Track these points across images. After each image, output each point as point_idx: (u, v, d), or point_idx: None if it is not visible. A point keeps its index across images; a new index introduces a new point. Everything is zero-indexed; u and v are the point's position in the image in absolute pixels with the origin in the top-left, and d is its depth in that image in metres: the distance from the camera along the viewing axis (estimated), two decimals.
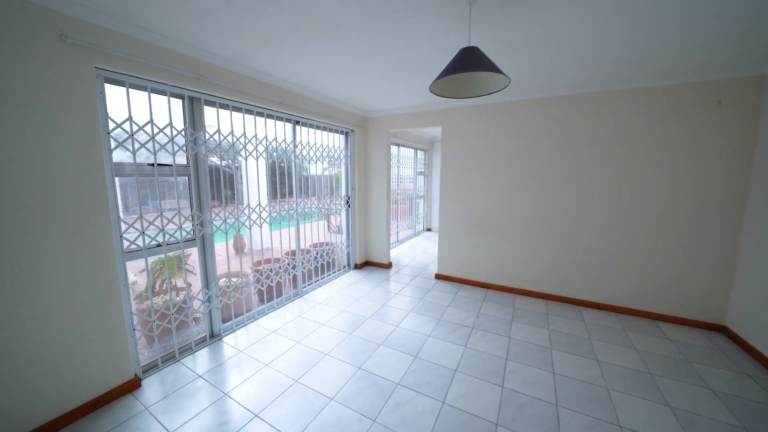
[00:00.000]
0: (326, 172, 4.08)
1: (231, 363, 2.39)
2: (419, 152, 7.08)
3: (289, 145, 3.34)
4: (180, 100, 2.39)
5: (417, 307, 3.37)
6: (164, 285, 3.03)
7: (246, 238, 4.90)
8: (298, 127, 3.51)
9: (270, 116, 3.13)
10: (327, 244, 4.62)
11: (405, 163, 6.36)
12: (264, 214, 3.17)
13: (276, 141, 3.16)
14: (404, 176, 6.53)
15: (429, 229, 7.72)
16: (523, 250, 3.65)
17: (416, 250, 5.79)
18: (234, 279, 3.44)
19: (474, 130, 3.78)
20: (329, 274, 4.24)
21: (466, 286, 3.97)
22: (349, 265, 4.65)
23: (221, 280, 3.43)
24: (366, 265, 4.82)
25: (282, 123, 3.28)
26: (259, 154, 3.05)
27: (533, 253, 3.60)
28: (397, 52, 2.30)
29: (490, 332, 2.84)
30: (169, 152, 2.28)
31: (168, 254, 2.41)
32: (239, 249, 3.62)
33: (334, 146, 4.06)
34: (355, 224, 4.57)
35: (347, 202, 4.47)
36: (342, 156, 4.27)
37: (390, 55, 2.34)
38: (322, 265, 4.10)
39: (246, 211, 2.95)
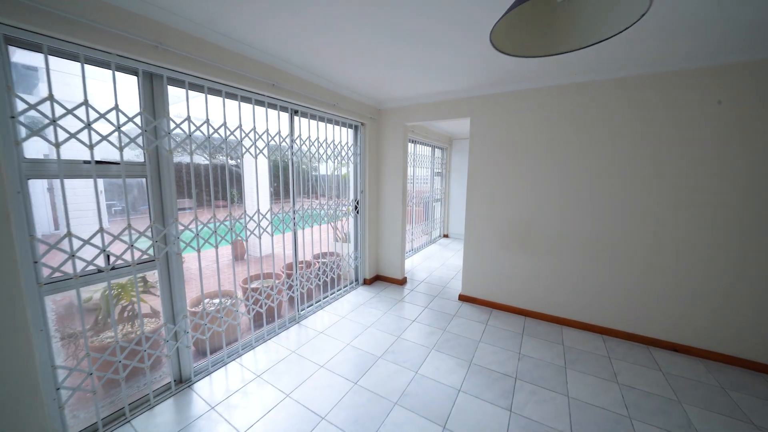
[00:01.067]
0: (332, 172, 3.46)
1: (199, 426, 1.79)
2: (437, 150, 6.39)
3: (285, 139, 2.72)
4: (134, 77, 1.80)
5: (440, 341, 2.70)
6: (119, 317, 2.46)
7: (246, 243, 4.33)
8: (296, 118, 2.89)
9: (260, 102, 2.52)
10: (332, 254, 4.01)
11: (421, 163, 5.69)
12: (264, 222, 2.58)
13: (268, 134, 2.55)
14: (420, 177, 5.85)
15: (446, 236, 7.02)
16: (574, 271, 2.93)
17: (433, 261, 5.11)
18: (217, 301, 2.86)
19: (511, 122, 3.08)
20: (333, 292, 3.61)
21: (499, 312, 3.27)
22: (357, 281, 4.02)
23: (201, 303, 2.85)
24: (377, 279, 4.18)
25: (276, 112, 2.66)
26: (259, 151, 2.47)
27: (588, 275, 2.87)
28: (425, 9, 1.64)
29: (540, 386, 2.14)
30: (114, 146, 1.69)
31: (116, 281, 1.83)
32: (237, 256, 3.04)
33: (341, 142, 3.43)
34: (364, 233, 3.93)
35: (356, 207, 3.84)
36: (350, 153, 3.64)
37: (415, 13, 1.69)
38: (325, 282, 3.48)
39: (242, 219, 2.36)
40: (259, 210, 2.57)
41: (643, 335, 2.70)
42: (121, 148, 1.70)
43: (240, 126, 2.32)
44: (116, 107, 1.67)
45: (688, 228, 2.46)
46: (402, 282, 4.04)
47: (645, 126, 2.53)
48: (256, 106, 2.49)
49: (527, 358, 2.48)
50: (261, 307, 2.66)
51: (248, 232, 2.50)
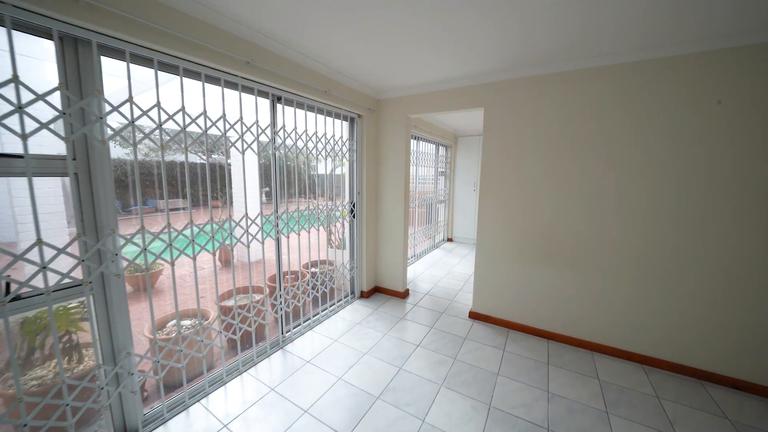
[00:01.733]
0: (324, 170, 3.00)
1: None
2: (440, 148, 5.93)
3: (264, 131, 2.26)
4: (50, 42, 1.35)
5: (450, 375, 2.24)
6: (42, 354, 2.00)
7: (232, 252, 3.88)
8: (279, 106, 2.43)
9: (231, 84, 2.06)
10: (325, 263, 3.56)
11: (424, 161, 5.23)
12: (254, 228, 2.15)
13: (258, 126, 2.10)
14: (422, 177, 5.39)
15: (450, 240, 6.57)
16: (608, 288, 2.47)
17: (438, 269, 4.65)
18: (188, 322, 2.41)
19: (532, 113, 2.62)
20: (326, 308, 3.15)
21: (517, 334, 2.82)
22: (353, 293, 3.56)
23: (167, 326, 2.40)
24: (375, 292, 3.72)
25: (253, 97, 2.20)
26: (247, 146, 2.05)
27: (624, 293, 2.42)
28: None
29: None
30: (15, 133, 1.24)
31: (24, 313, 1.38)
32: (223, 263, 2.58)
33: (333, 136, 2.97)
34: (362, 240, 3.48)
35: (351, 210, 3.38)
36: (345, 150, 3.18)
37: None
38: (316, 297, 3.03)
39: (229, 224, 1.91)
40: (247, 214, 2.13)
41: (695, 367, 2.24)
42: (24, 137, 1.24)
43: (240, 119, 1.87)
44: (15, 78, 1.22)
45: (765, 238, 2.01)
46: (404, 295, 3.58)
47: (703, 119, 2.08)
48: (232, 91, 2.04)
49: (558, 398, 2.02)
50: (235, 333, 2.20)
51: (235, 239, 2.06)
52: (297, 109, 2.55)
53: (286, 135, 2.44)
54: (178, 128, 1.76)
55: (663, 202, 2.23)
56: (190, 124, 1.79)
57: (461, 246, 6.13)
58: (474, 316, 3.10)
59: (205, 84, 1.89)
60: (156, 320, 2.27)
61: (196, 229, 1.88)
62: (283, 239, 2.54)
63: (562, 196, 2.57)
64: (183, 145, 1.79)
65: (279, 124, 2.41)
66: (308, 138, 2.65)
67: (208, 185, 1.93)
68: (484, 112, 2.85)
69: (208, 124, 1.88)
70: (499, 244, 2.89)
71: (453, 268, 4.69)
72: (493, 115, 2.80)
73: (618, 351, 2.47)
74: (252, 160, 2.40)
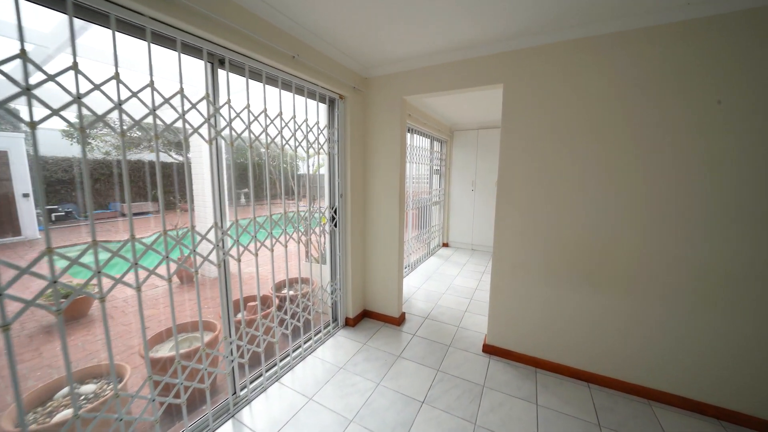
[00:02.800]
0: (295, 165, 2.28)
1: None
2: (435, 143, 5.29)
3: (197, 105, 1.52)
4: None
5: None
6: None
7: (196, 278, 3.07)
8: (222, 73, 1.69)
9: (135, 29, 1.31)
10: (299, 284, 2.84)
11: (419, 158, 4.56)
12: (223, 245, 1.41)
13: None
14: (416, 175, 4.73)
15: (446, 245, 5.94)
16: (674, 319, 1.87)
17: (436, 283, 4.00)
18: (89, 389, 1.66)
19: (568, 89, 1.99)
20: (299, 345, 2.43)
21: (548, 376, 2.18)
22: (335, 321, 2.85)
23: (55, 398, 1.63)
24: (364, 317, 3.03)
25: (175, 53, 1.45)
26: (216, 134, 1.31)
27: (696, 324, 1.82)
28: None
29: None
30: None
31: None
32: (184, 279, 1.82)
33: (308, 122, 2.25)
34: (346, 254, 2.77)
35: (333, 218, 2.67)
36: (323, 140, 2.47)
37: None
38: (285, 333, 2.29)
39: (189, 238, 1.16)
40: (220, 224, 1.38)
41: None
42: None
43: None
44: None
45: None
46: (399, 321, 2.89)
47: None
48: (141, 42, 1.29)
49: None
50: (153, 412, 1.45)
51: (198, 259, 1.34)
52: (251, 80, 1.82)
53: (234, 113, 1.70)
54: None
55: (752, 208, 1.64)
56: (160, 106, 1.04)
57: (459, 252, 5.51)
58: (490, 350, 2.45)
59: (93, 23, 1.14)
60: (45, 387, 1.50)
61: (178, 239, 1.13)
62: (248, 256, 1.80)
63: (610, 201, 1.94)
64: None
65: (222, 99, 1.67)
66: (269, 121, 1.91)
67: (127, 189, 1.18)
68: (504, 91, 2.20)
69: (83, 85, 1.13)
70: (523, 260, 2.25)
71: (453, 281, 4.04)
72: (515, 95, 2.15)
73: (691, 402, 1.87)
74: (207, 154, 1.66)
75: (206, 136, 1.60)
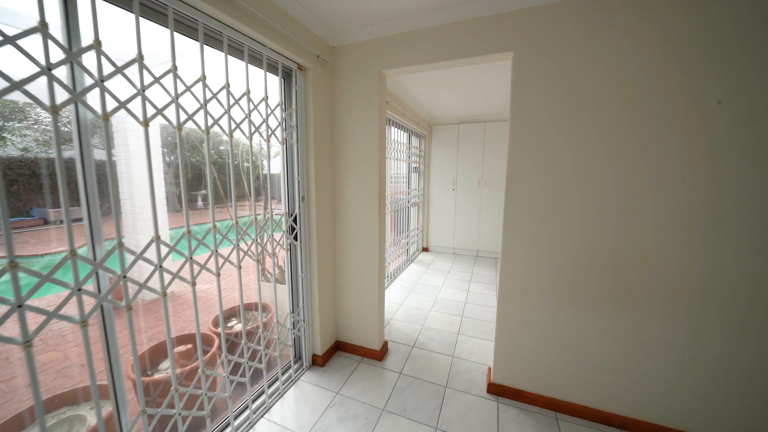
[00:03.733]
0: (233, 155, 1.62)
1: None
2: (413, 139, 4.77)
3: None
4: None
5: None
6: None
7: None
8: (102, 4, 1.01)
9: None
10: (252, 311, 2.20)
11: (397, 153, 4.01)
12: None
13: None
14: (395, 174, 4.17)
15: (426, 249, 5.46)
16: (748, 356, 1.47)
17: (420, 297, 3.48)
18: None
19: (596, 59, 1.53)
20: (248, 402, 1.76)
21: (573, 423, 1.72)
22: (299, 359, 2.21)
23: None
24: (336, 350, 2.42)
25: None
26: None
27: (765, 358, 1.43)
28: None
29: None
30: None
31: None
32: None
33: (250, 95, 1.60)
34: (311, 274, 2.15)
35: (292, 229, 2.03)
36: (275, 125, 1.83)
37: None
38: (233, 380, 1.63)
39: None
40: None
41: None
42: None
43: None
44: None
45: None
46: (381, 354, 2.32)
47: None
48: None
49: None
50: None
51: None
52: (154, 22, 1.15)
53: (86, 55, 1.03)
54: None
55: None
56: None
57: (441, 257, 5.05)
58: (496, 390, 1.95)
59: None
60: None
61: None
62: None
63: (651, 202, 1.51)
64: None
65: (85, 38, 0.99)
66: (183, 85, 1.25)
67: None
68: (514, 63, 1.70)
69: None
70: (537, 278, 1.77)
71: (439, 294, 3.54)
72: (527, 66, 1.66)
73: None
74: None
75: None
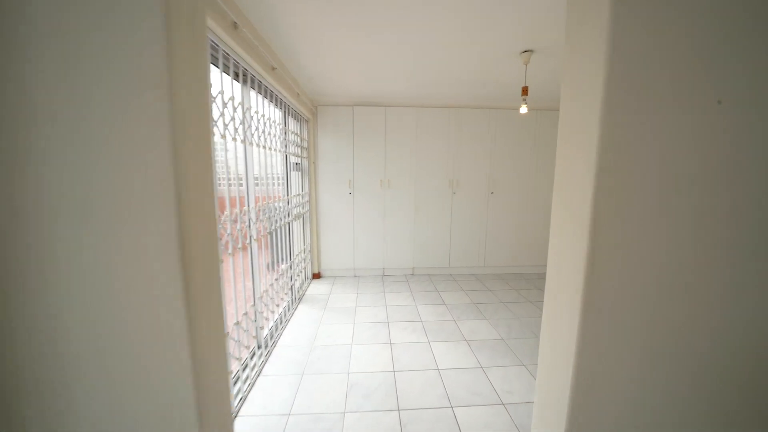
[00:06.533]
0: None
1: None
2: (291, 120, 3.23)
3: None
4: None
5: None
6: None
7: None
8: None
9: None
10: None
11: (266, 137, 2.41)
12: None
13: None
14: (265, 172, 2.55)
15: (317, 276, 4.02)
16: None
17: (320, 381, 2.07)
18: None
19: None
20: None
21: None
22: None
23: None
24: None
25: None
26: None
27: None
28: None
29: None
30: None
31: None
32: None
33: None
34: None
35: None
36: None
37: None
38: None
39: None
40: None
41: None
42: None
43: None
44: None
45: None
46: None
47: None
48: None
49: None
50: None
51: None
52: None
53: None
54: None
55: None
56: None
57: (340, 285, 3.74)
58: None
59: None
60: None
61: None
62: None
63: None
64: None
65: None
66: None
67: None
68: None
69: None
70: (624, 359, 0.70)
71: (351, 365, 2.22)
72: None
73: None
74: None
75: None
